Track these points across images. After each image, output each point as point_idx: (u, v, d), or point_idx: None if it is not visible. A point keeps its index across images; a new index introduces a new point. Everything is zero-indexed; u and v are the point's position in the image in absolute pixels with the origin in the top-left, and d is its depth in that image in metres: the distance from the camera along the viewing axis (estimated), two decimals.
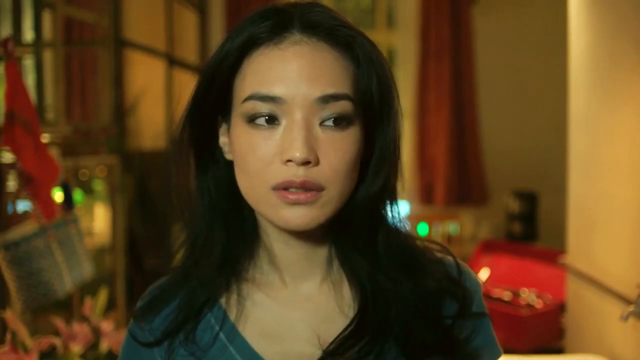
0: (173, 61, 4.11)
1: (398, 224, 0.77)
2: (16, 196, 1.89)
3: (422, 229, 4.23)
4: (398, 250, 0.76)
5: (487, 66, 4.53)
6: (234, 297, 0.77)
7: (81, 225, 2.08)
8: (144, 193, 3.70)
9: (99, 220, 3.07)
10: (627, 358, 1.92)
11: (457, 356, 0.74)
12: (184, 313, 0.76)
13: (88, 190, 3.04)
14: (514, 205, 4.18)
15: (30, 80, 2.42)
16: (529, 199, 4.18)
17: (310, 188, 0.67)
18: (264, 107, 0.68)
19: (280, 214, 0.68)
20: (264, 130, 0.68)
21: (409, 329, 0.72)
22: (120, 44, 3.14)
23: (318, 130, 0.68)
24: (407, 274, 0.75)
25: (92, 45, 3.40)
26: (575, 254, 2.44)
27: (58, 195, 1.98)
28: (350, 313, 0.74)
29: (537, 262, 3.25)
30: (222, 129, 0.75)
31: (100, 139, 2.92)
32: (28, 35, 2.44)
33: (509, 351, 2.67)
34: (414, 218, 4.31)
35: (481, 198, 4.56)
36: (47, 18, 2.54)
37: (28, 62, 2.50)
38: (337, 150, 0.68)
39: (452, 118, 4.50)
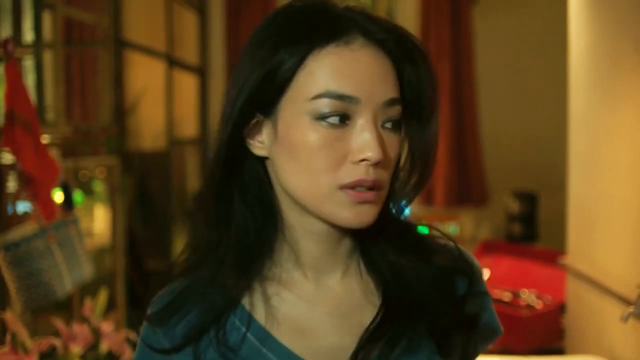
0: (173, 62, 4.12)
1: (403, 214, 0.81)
2: (16, 197, 1.89)
3: (422, 231, 4.22)
4: (409, 237, 0.80)
5: (487, 66, 4.53)
6: (258, 297, 0.76)
7: (81, 226, 2.08)
8: (144, 193, 3.70)
9: (99, 221, 3.07)
10: (627, 359, 1.92)
11: (475, 332, 0.78)
12: (206, 316, 0.74)
13: (88, 191, 3.04)
14: (514, 206, 4.18)
15: (30, 80, 2.41)
16: (529, 200, 4.18)
17: (377, 187, 0.70)
18: (338, 106, 0.68)
19: (346, 212, 0.69)
20: (336, 129, 0.68)
21: (433, 310, 0.75)
22: (120, 45, 3.14)
23: (381, 131, 0.70)
24: (421, 258, 0.78)
25: (92, 46, 3.40)
26: (575, 254, 2.44)
27: (58, 196, 1.98)
28: (375, 301, 0.76)
29: (537, 263, 3.25)
30: (257, 127, 0.73)
31: (100, 139, 2.92)
32: (28, 36, 2.43)
33: (509, 352, 2.67)
34: (413, 219, 4.31)
35: (481, 199, 4.56)
36: (47, 19, 2.54)
37: (28, 63, 2.49)
38: (393, 152, 0.71)
39: (452, 118, 4.50)
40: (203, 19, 4.73)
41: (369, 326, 0.73)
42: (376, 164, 0.68)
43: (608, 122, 2.10)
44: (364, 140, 0.68)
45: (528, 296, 2.96)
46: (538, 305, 2.89)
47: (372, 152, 0.67)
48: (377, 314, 0.74)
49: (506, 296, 2.97)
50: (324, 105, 0.68)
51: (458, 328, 0.76)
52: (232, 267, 0.75)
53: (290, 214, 0.75)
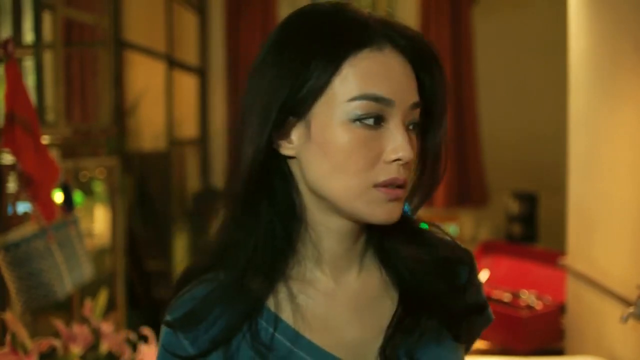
0: (173, 62, 4.12)
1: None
2: (16, 197, 1.89)
3: (423, 226, 4.21)
4: (415, 231, 0.84)
5: (487, 66, 4.53)
6: (283, 297, 0.76)
7: (81, 226, 2.08)
8: (144, 194, 3.70)
9: (99, 222, 3.07)
10: (627, 359, 1.92)
11: (482, 317, 0.84)
12: (234, 320, 0.74)
13: (88, 192, 3.03)
14: (514, 206, 4.18)
15: (30, 81, 2.42)
16: (529, 200, 4.18)
17: (404, 185, 0.74)
18: (374, 108, 0.71)
19: (379, 209, 0.73)
20: (370, 130, 0.71)
21: (446, 300, 0.80)
22: (120, 45, 3.15)
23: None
24: (428, 251, 0.82)
25: (92, 47, 3.40)
26: (575, 255, 2.44)
27: (58, 197, 1.98)
28: (392, 294, 0.80)
29: (537, 264, 3.24)
30: (286, 128, 0.74)
31: (100, 140, 2.92)
32: (28, 36, 2.44)
33: (509, 352, 2.67)
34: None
35: (481, 199, 4.56)
36: (47, 19, 2.54)
37: (28, 64, 2.50)
38: (415, 152, 0.76)
39: (451, 118, 4.49)
40: (203, 19, 4.73)
41: (392, 320, 0.77)
42: (405, 164, 0.72)
43: (608, 122, 2.10)
44: (397, 141, 0.71)
45: (528, 297, 2.95)
46: (538, 305, 2.89)
47: (404, 153, 0.71)
48: (398, 307, 0.78)
49: (506, 297, 2.97)
50: (361, 107, 0.71)
51: (469, 314, 0.81)
52: (260, 269, 0.75)
53: (315, 213, 0.76)
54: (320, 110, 0.72)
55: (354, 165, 0.71)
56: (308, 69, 0.71)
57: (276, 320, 0.75)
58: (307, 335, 0.75)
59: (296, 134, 0.74)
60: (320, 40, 0.72)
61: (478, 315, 0.83)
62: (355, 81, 0.71)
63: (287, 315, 0.76)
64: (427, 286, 0.79)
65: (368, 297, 0.80)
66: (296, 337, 0.75)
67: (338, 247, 0.78)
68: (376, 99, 0.71)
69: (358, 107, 0.71)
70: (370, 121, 0.71)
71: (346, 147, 0.71)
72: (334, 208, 0.75)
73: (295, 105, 0.72)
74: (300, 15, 0.75)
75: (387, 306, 0.79)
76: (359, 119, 0.71)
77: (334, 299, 0.78)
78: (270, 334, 0.75)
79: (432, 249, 0.82)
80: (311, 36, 0.72)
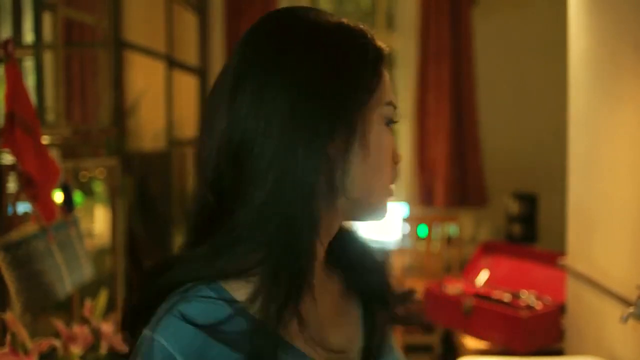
0: (173, 63, 4.12)
1: None
2: (16, 198, 1.88)
3: (422, 231, 4.22)
4: (347, 230, 0.86)
5: (487, 68, 4.53)
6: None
7: (81, 226, 2.08)
8: (144, 194, 3.70)
9: (99, 222, 3.07)
10: (627, 359, 1.92)
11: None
12: (243, 348, 0.69)
13: (88, 192, 3.03)
14: (514, 207, 4.18)
15: (30, 81, 2.41)
16: (529, 201, 4.18)
17: None
18: (394, 113, 0.78)
19: (387, 206, 0.78)
20: (390, 133, 0.78)
21: (390, 288, 0.86)
22: (120, 46, 3.14)
23: None
24: (364, 244, 0.87)
25: (92, 47, 3.40)
26: (575, 255, 2.44)
27: (58, 197, 1.98)
28: (352, 295, 0.84)
29: (537, 264, 3.24)
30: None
31: (100, 140, 2.92)
32: (28, 36, 2.44)
33: (508, 353, 2.67)
34: (413, 220, 4.31)
35: (481, 200, 4.55)
36: (47, 20, 2.54)
37: (28, 64, 2.49)
38: None
39: (451, 120, 4.50)
40: (203, 20, 4.73)
41: (365, 319, 0.82)
42: None
43: (608, 122, 2.10)
44: (396, 145, 0.79)
45: (528, 297, 2.95)
46: (538, 306, 2.89)
47: (400, 156, 0.79)
48: (366, 309, 0.83)
49: (506, 297, 2.97)
50: (392, 111, 0.77)
51: (406, 299, 0.87)
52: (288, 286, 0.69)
53: (325, 218, 0.73)
54: (363, 114, 0.73)
55: (388, 165, 0.76)
56: (359, 80, 0.73)
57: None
58: (299, 346, 0.72)
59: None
60: (358, 52, 0.74)
61: (409, 300, 0.88)
62: (385, 88, 0.76)
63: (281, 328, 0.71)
64: (376, 278, 0.85)
65: (339, 300, 0.82)
66: (291, 350, 0.72)
67: (322, 252, 0.78)
68: (393, 104, 0.77)
69: (390, 111, 0.76)
70: (393, 125, 0.77)
71: (384, 147, 0.75)
72: (351, 209, 0.75)
73: (352, 115, 0.72)
74: (334, 30, 0.74)
75: (353, 306, 0.83)
76: (389, 123, 0.76)
77: (315, 306, 0.75)
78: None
79: (366, 242, 0.87)
80: (347, 48, 0.73)
